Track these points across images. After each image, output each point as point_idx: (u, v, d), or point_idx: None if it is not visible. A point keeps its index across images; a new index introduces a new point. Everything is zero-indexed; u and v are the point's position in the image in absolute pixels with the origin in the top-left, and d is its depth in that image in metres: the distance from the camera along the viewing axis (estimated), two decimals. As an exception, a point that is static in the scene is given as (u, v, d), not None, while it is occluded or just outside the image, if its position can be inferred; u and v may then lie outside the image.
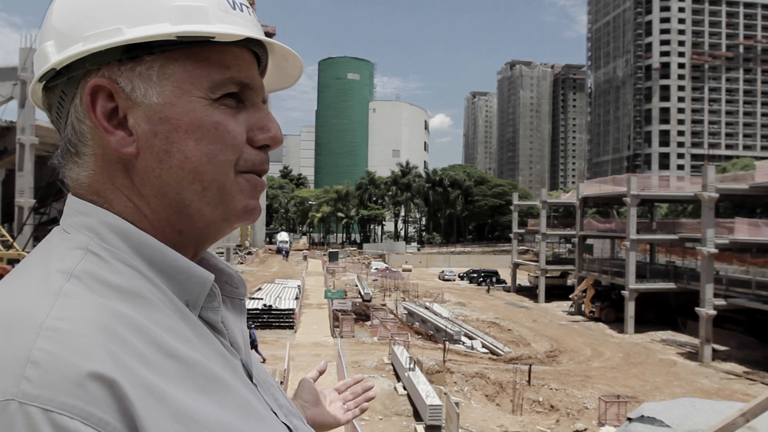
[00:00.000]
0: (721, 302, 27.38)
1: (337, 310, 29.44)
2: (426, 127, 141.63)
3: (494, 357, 26.11)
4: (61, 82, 0.62)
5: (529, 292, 47.54)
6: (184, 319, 0.60)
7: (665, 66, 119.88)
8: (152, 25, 0.60)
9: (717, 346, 27.31)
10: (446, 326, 28.79)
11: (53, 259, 0.57)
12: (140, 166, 0.62)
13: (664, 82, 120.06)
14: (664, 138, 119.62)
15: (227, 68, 0.64)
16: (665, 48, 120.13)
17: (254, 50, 0.68)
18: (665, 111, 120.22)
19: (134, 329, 0.52)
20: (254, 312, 27.03)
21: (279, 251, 72.42)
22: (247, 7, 0.68)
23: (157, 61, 0.61)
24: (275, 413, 0.67)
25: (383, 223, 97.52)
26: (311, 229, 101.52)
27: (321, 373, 1.28)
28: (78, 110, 0.62)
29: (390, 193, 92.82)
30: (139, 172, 0.62)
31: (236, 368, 0.65)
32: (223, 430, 0.53)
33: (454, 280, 57.16)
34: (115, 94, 0.61)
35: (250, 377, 0.68)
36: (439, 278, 57.99)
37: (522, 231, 54.80)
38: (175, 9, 0.61)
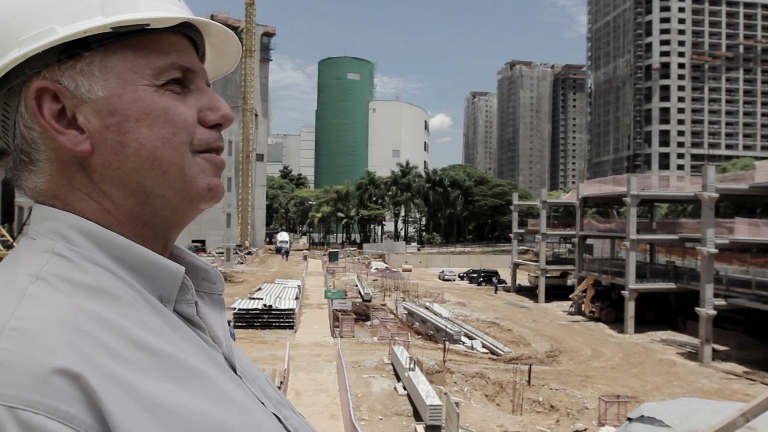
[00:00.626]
0: (721, 302, 27.38)
1: (337, 310, 29.44)
2: (426, 127, 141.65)
3: (494, 357, 26.11)
4: (2, 93, 0.62)
5: (529, 292, 47.55)
6: (158, 313, 0.60)
7: (665, 66, 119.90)
8: (84, 21, 0.60)
9: (717, 346, 27.31)
10: (446, 326, 28.80)
11: (19, 264, 0.57)
12: (97, 161, 0.62)
13: (664, 82, 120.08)
14: (664, 138, 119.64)
15: (167, 54, 0.64)
16: (665, 48, 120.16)
17: (190, 36, 0.68)
18: (665, 111, 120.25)
19: (102, 324, 0.52)
20: (254, 312, 27.01)
21: (278, 251, 72.78)
22: None
23: (96, 56, 0.61)
24: (263, 403, 0.67)
25: (383, 223, 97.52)
26: (311, 229, 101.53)
27: None
28: (25, 117, 0.61)
29: (390, 193, 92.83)
30: (96, 168, 0.62)
31: (218, 361, 0.65)
32: (199, 419, 0.53)
33: (454, 280, 57.16)
34: (59, 94, 0.60)
35: (234, 369, 0.68)
36: (439, 278, 57.99)
37: (522, 231, 54.82)
38: (106, 1, 0.61)
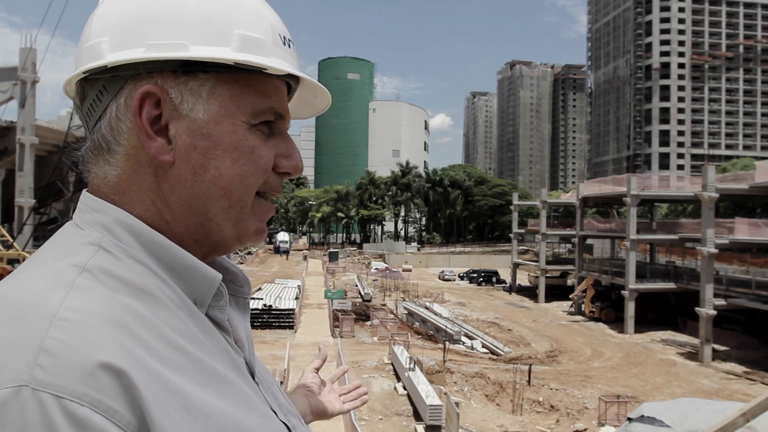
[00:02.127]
0: (721, 302, 27.37)
1: (337, 310, 29.45)
2: (426, 127, 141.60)
3: (494, 357, 26.10)
4: (105, 77, 0.63)
5: (529, 292, 47.53)
6: (192, 316, 0.61)
7: (665, 66, 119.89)
8: (216, 48, 0.63)
9: (717, 346, 27.30)
10: (446, 326, 28.79)
11: (66, 254, 0.58)
12: (173, 174, 0.64)
13: (664, 82, 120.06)
14: (664, 138, 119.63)
15: (269, 98, 0.68)
16: (665, 48, 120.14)
17: (289, 82, 0.72)
18: (665, 111, 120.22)
19: (143, 322, 0.54)
20: (254, 312, 27.01)
21: (276, 250, 73.40)
22: (293, 44, 0.72)
23: (209, 80, 0.64)
24: (275, 412, 0.69)
25: (383, 223, 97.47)
26: (311, 229, 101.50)
27: (323, 362, 1.30)
28: (120, 109, 0.63)
29: (390, 193, 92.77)
30: (170, 180, 0.64)
31: (240, 366, 0.67)
32: (226, 423, 0.55)
33: (454, 280, 57.14)
34: (163, 102, 0.63)
35: (253, 375, 0.70)
36: (439, 278, 57.97)
37: (522, 231, 54.79)
38: (239, 37, 0.64)
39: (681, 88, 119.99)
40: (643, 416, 7.17)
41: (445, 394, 15.71)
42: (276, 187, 0.71)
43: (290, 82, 0.72)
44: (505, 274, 53.34)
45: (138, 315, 0.54)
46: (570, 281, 46.10)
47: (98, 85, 0.64)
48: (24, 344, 0.47)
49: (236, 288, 0.76)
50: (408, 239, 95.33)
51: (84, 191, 0.66)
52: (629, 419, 7.44)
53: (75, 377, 0.46)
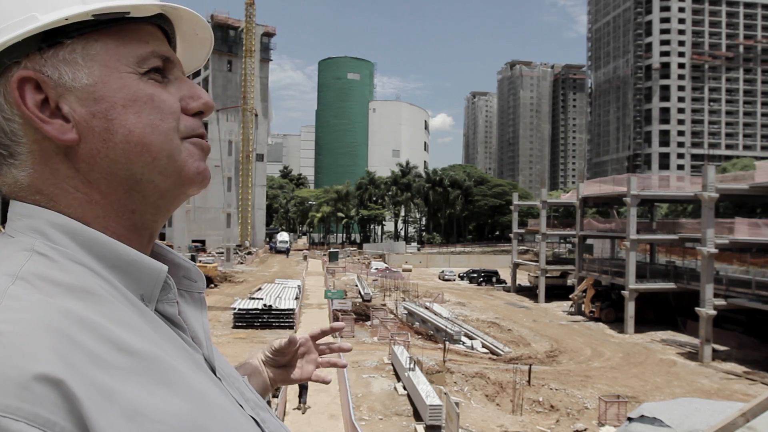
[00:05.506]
0: (721, 302, 27.37)
1: (337, 310, 29.46)
2: (426, 127, 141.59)
3: (494, 357, 26.10)
4: None
5: (529, 292, 47.53)
6: (139, 313, 0.59)
7: (665, 66, 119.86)
8: (65, 9, 0.59)
9: (717, 346, 27.30)
10: (446, 326, 28.79)
11: None
12: (84, 151, 0.60)
13: (664, 82, 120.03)
14: (664, 138, 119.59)
15: (147, 43, 0.64)
16: (665, 48, 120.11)
17: (163, 27, 0.68)
18: (665, 111, 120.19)
19: (84, 326, 0.51)
20: (254, 312, 27.02)
21: (272, 248, 74.91)
22: None
23: (78, 44, 0.60)
24: (241, 406, 0.67)
25: (383, 223, 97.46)
26: (311, 229, 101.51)
27: (323, 334, 1.25)
28: (4, 109, 0.59)
29: (390, 193, 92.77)
30: (83, 158, 0.61)
31: (198, 362, 0.64)
32: (178, 423, 0.52)
33: (454, 280, 57.15)
34: (42, 84, 0.59)
35: (213, 371, 0.67)
36: (439, 278, 57.98)
37: (522, 231, 54.78)
38: None
39: (681, 88, 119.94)
40: (643, 416, 7.17)
41: (445, 394, 15.70)
42: (195, 128, 0.67)
43: (165, 27, 0.68)
44: (505, 274, 53.34)
45: (78, 318, 0.51)
46: (570, 281, 46.10)
47: None
48: None
49: (190, 283, 0.73)
50: (408, 239, 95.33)
51: (11, 200, 0.62)
52: (629, 419, 7.44)
53: (7, 392, 0.44)
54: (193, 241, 65.98)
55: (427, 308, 34.49)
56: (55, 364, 0.46)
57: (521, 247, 61.26)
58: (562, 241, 68.05)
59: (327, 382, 1.24)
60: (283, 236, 77.24)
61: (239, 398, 0.68)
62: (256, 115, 75.59)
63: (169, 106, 0.65)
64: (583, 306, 37.79)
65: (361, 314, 31.04)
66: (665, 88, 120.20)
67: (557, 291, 44.71)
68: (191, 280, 0.73)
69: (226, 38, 73.19)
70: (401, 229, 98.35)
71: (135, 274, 0.61)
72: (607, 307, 35.89)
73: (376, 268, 56.78)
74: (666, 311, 34.15)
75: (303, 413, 16.07)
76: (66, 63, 0.60)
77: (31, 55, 0.59)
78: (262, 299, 28.59)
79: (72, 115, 0.60)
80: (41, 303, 0.51)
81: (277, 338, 1.20)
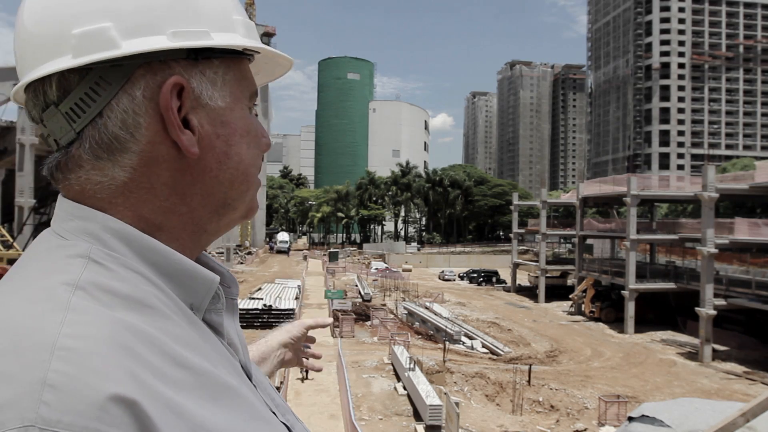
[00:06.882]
0: (721, 302, 27.37)
1: (337, 310, 29.46)
2: (426, 127, 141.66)
3: (494, 357, 26.10)
4: (100, 66, 0.57)
5: (529, 292, 47.53)
6: (191, 324, 0.59)
7: (665, 66, 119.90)
8: (231, 34, 0.63)
9: (717, 346, 27.30)
10: (446, 326, 28.79)
11: (54, 269, 0.53)
12: (198, 166, 0.61)
13: (664, 82, 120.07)
14: (664, 138, 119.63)
15: (251, 80, 0.69)
16: (665, 48, 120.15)
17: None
18: (665, 111, 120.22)
19: (146, 342, 0.50)
20: (254, 312, 27.02)
21: (272, 248, 75.43)
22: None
23: (221, 67, 0.63)
24: (274, 413, 0.67)
25: (383, 223, 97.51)
26: (311, 229, 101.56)
27: (317, 326, 1.28)
28: (138, 102, 0.57)
29: (390, 193, 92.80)
30: (193, 172, 0.61)
31: (238, 370, 0.65)
32: None
33: (454, 280, 57.16)
34: (185, 93, 0.60)
35: (250, 378, 0.68)
36: (439, 278, 57.98)
37: (522, 231, 54.79)
38: (242, 23, 0.66)
39: (681, 88, 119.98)
40: (643, 416, 7.17)
41: (445, 394, 15.71)
42: (260, 165, 0.71)
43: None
44: (505, 274, 53.34)
45: (140, 333, 0.50)
46: (570, 281, 46.09)
47: (90, 77, 0.57)
48: (25, 380, 0.43)
49: (224, 289, 0.71)
50: (408, 239, 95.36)
51: (60, 197, 0.61)
52: (629, 419, 7.44)
53: (85, 413, 0.43)
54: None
55: (427, 308, 34.49)
56: (128, 384, 0.46)
57: (521, 247, 61.25)
58: (562, 241, 68.06)
59: (319, 370, 1.33)
60: (283, 236, 77.29)
61: (272, 405, 0.68)
62: (256, 115, 75.18)
63: (263, 144, 0.69)
64: (583, 306, 37.78)
65: (361, 314, 31.04)
66: (665, 88, 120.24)
67: (557, 291, 44.71)
68: (225, 286, 0.72)
69: (226, 38, 73.41)
70: (401, 229, 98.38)
71: (187, 283, 0.60)
72: (607, 307, 35.89)
73: (376, 268, 56.78)
74: (666, 311, 34.15)
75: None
76: (209, 81, 0.62)
77: (182, 61, 0.60)
78: (262, 299, 28.62)
79: (199, 130, 0.61)
80: (105, 317, 0.50)
81: (299, 322, 1.24)
